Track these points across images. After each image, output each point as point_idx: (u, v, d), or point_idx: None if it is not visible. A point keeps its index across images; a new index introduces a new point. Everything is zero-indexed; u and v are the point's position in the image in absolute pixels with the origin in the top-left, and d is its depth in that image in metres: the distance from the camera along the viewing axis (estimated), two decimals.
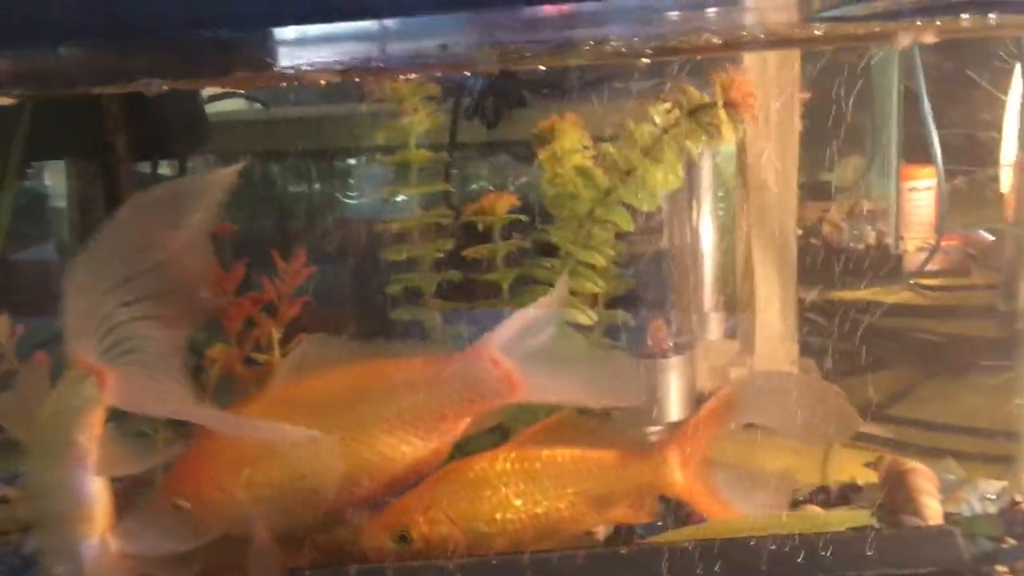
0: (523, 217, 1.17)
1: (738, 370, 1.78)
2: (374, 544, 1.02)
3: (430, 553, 1.01)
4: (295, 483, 1.02)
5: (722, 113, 1.03)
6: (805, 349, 1.78)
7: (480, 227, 1.15)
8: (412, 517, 1.01)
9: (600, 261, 1.12)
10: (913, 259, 2.41)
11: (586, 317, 1.12)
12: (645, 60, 1.49)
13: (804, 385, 1.12)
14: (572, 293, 1.12)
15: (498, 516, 1.02)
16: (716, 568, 0.96)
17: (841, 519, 1.02)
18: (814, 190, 2.32)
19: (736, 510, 1.07)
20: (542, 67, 1.51)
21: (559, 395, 1.06)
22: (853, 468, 1.50)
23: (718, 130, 1.05)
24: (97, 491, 0.97)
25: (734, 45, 1.07)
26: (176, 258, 0.95)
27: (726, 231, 1.87)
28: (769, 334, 1.76)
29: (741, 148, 1.77)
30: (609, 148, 1.10)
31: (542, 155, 1.24)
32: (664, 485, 1.07)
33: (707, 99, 1.05)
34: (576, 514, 1.05)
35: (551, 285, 1.13)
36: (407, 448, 1.03)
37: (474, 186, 1.58)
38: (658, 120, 1.07)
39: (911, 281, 2.31)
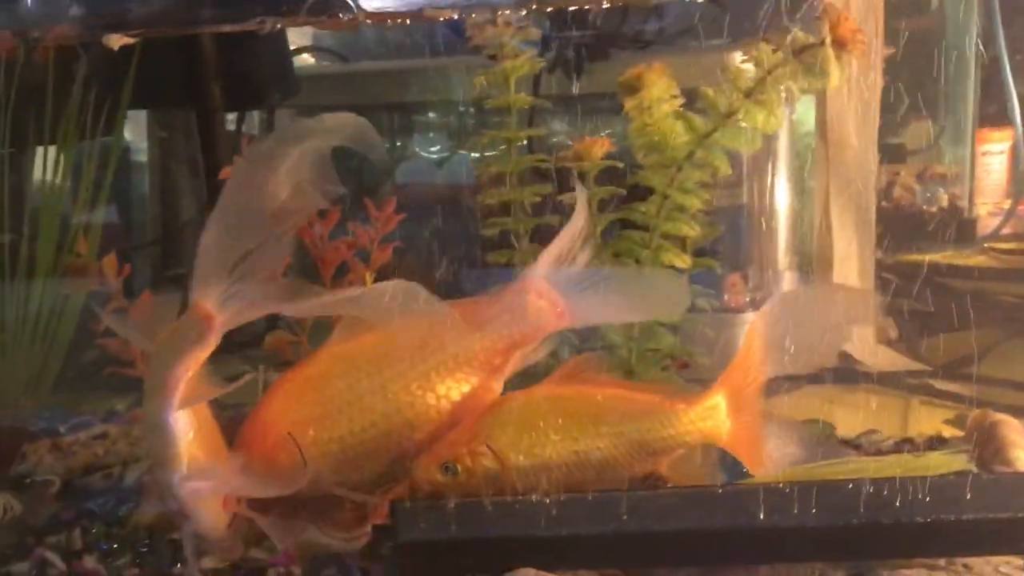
0: (618, 163, 1.18)
1: None
2: (424, 476, 1.04)
3: (475, 485, 1.03)
4: (364, 432, 1.05)
5: (830, 52, 1.02)
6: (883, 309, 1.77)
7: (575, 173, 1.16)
8: (458, 450, 1.02)
9: (696, 204, 1.12)
10: (987, 223, 2.37)
11: (681, 260, 1.13)
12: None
13: (829, 293, 1.09)
14: (665, 237, 1.13)
15: (537, 451, 1.03)
16: (813, 510, 0.97)
17: (938, 464, 1.01)
18: (884, 152, 2.28)
19: (776, 466, 1.05)
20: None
21: (604, 316, 1.07)
22: (931, 424, 1.50)
23: (824, 70, 1.03)
24: (185, 427, 1.01)
25: None
26: (289, 202, 0.97)
27: (803, 188, 1.85)
28: None
29: (821, 102, 1.75)
30: (709, 90, 1.10)
31: (629, 105, 1.24)
32: (711, 434, 1.05)
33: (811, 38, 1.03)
34: (619, 455, 1.05)
35: (646, 230, 1.13)
36: (465, 388, 1.05)
37: (554, 140, 1.58)
38: (761, 61, 1.06)
39: (985, 245, 2.28)
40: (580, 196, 1.06)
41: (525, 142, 1.22)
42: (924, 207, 2.41)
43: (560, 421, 1.04)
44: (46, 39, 1.18)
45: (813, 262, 1.78)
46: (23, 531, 1.19)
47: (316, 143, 0.97)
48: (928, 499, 0.96)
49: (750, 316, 1.65)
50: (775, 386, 1.67)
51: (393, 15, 1.26)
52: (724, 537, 0.99)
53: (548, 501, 1.00)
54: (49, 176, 1.15)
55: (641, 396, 1.07)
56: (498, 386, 1.07)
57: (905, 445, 1.31)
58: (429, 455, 1.04)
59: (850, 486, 0.98)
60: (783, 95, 1.06)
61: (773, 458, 1.07)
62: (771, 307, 1.07)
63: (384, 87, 1.77)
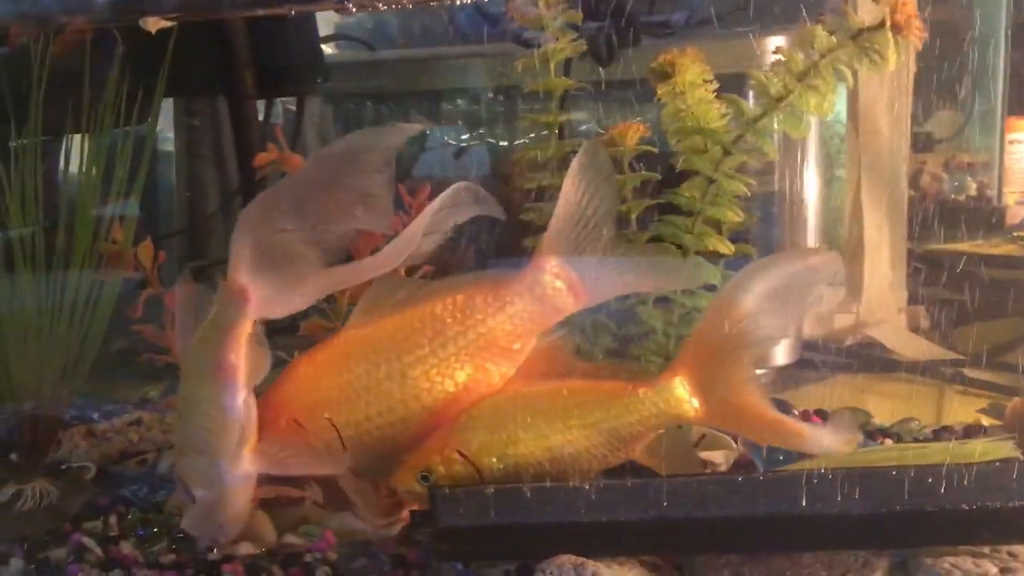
0: (654, 148, 1.17)
1: (843, 317, 1.77)
2: (404, 487, 1.04)
3: None
4: (381, 417, 1.05)
5: (889, 36, 1.00)
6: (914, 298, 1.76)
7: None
8: (431, 459, 1.03)
9: (743, 189, 1.11)
10: (1015, 212, 2.35)
11: (724, 247, 1.12)
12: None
13: (794, 261, 1.05)
14: (709, 222, 1.12)
15: (509, 451, 1.03)
16: (856, 496, 0.96)
17: (984, 451, 1.00)
18: (912, 141, 2.26)
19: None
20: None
21: (618, 290, 1.07)
22: (965, 413, 1.49)
23: (881, 55, 1.01)
24: (246, 408, 1.01)
25: None
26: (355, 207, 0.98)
27: (834, 175, 1.84)
28: (878, 281, 1.74)
29: (853, 90, 1.73)
30: (760, 74, 1.09)
31: (662, 90, 1.23)
32: (678, 414, 1.03)
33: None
34: (591, 446, 1.04)
35: (688, 214, 1.13)
36: (481, 375, 1.05)
37: (584, 127, 1.57)
38: (815, 44, 1.04)
39: (1014, 234, 2.25)
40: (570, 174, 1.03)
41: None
42: (952, 196, 2.40)
43: (529, 419, 1.03)
44: (74, 25, 1.18)
45: (844, 251, 1.77)
46: (60, 517, 1.19)
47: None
48: (974, 486, 0.95)
49: None
50: (804, 376, 1.68)
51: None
52: (766, 524, 0.98)
53: (587, 487, 1.00)
54: (85, 164, 1.15)
55: (605, 384, 1.06)
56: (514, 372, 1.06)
57: (943, 433, 1.30)
58: (406, 466, 1.04)
59: (894, 473, 0.97)
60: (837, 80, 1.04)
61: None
62: (739, 279, 1.04)
63: (410, 74, 1.76)
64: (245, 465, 1.03)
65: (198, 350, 1.00)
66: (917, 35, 1.01)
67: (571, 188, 1.02)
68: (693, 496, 0.99)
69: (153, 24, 0.99)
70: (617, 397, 1.04)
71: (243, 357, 0.99)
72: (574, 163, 1.03)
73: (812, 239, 1.82)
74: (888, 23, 1.00)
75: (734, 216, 1.11)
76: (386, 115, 1.79)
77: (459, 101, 1.73)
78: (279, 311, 1.01)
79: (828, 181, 1.84)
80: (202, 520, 1.05)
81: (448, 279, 1.10)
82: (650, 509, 0.99)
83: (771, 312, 1.01)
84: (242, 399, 1.00)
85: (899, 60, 1.02)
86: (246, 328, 0.99)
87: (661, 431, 1.05)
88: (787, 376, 1.66)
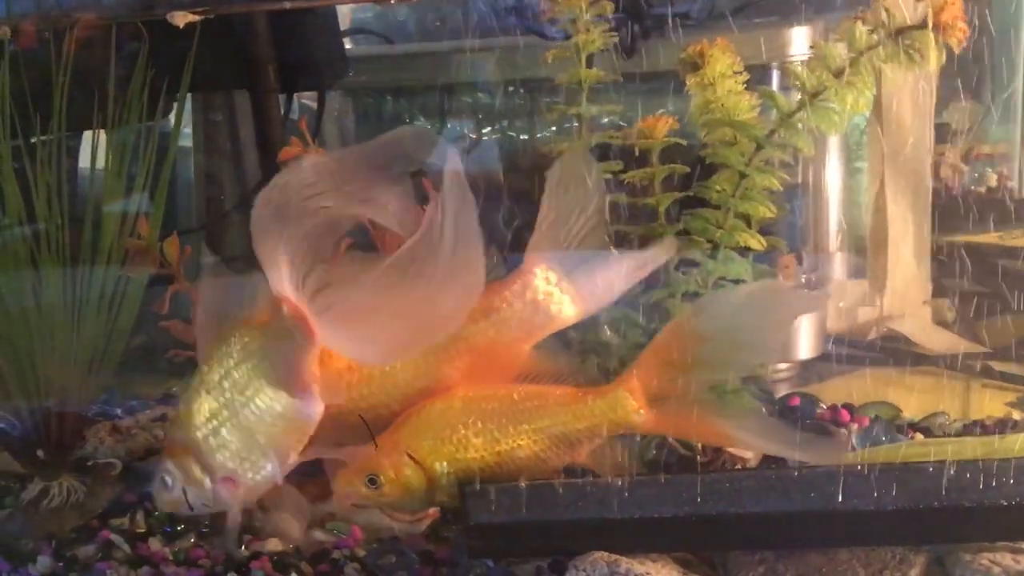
0: (682, 141, 1.16)
1: (867, 310, 1.75)
2: (346, 489, 1.03)
3: (399, 495, 1.03)
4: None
5: (930, 36, 0.98)
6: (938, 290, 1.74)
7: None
8: (379, 462, 1.02)
9: (775, 184, 1.10)
10: None
11: (756, 241, 1.10)
12: None
13: (759, 293, 1.05)
14: (741, 217, 1.11)
15: (459, 456, 1.02)
16: (893, 492, 0.95)
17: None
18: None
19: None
20: None
21: (614, 288, 1.05)
22: (993, 407, 1.48)
23: (922, 55, 1.00)
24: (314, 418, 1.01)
25: None
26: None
27: (857, 168, 1.82)
28: (902, 274, 1.73)
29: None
30: (797, 68, 1.07)
31: (691, 81, 1.22)
32: (626, 422, 1.04)
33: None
34: (540, 451, 1.04)
35: (717, 207, 1.11)
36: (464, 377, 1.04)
37: (605, 120, 1.55)
38: (855, 41, 1.03)
39: None
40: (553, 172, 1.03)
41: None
42: (972, 187, 2.38)
43: (480, 424, 1.03)
44: (93, 21, 1.17)
45: (867, 243, 1.75)
46: (87, 514, 1.19)
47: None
48: (1012, 481, 0.94)
49: None
50: (830, 369, 1.67)
51: None
52: (801, 520, 0.97)
53: (620, 483, 0.99)
54: (110, 159, 1.14)
55: (555, 389, 1.06)
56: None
57: (975, 427, 1.29)
58: (351, 468, 1.03)
59: (931, 468, 0.96)
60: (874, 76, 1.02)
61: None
62: (705, 303, 1.06)
63: (427, 68, 1.75)
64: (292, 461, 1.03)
65: (261, 359, 0.99)
66: (961, 36, 0.99)
67: (551, 192, 1.02)
68: (728, 492, 0.98)
69: (181, 19, 0.99)
70: (567, 404, 1.05)
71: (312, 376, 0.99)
72: (554, 167, 1.03)
73: (834, 231, 1.81)
74: (931, 23, 0.98)
75: (766, 211, 1.10)
76: (405, 109, 1.78)
77: (479, 94, 1.72)
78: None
79: (850, 173, 1.83)
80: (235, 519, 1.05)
81: None
82: (684, 505, 0.98)
83: (733, 342, 1.01)
84: (317, 410, 1.01)
85: (941, 61, 1.01)
86: (314, 352, 0.99)
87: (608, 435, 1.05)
88: (811, 370, 1.65)
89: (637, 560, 0.97)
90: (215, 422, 1.00)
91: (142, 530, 1.16)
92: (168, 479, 1.02)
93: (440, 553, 1.10)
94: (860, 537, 0.98)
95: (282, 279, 0.96)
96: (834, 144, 1.77)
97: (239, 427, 0.99)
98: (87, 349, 1.17)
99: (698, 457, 1.16)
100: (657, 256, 1.07)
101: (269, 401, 0.99)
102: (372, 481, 1.02)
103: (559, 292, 1.03)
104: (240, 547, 1.13)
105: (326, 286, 0.97)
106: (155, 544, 1.13)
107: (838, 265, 1.83)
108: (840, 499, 0.96)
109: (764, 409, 1.14)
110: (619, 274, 1.06)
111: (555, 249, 1.03)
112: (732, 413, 1.05)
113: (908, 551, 0.98)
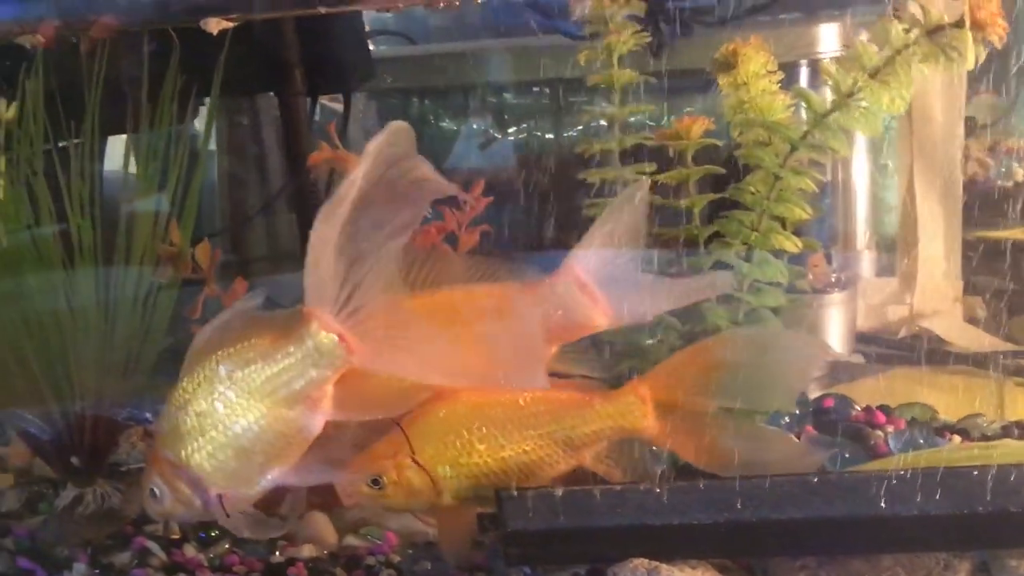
0: (718, 142, 1.15)
1: (896, 309, 1.74)
2: (349, 488, 1.02)
3: (401, 497, 1.02)
4: None
5: (968, 35, 0.97)
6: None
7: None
8: (382, 463, 1.01)
9: (811, 186, 1.09)
10: None
11: (792, 244, 1.09)
12: None
13: (789, 341, 1.06)
14: (777, 219, 1.09)
15: (463, 460, 1.02)
16: (937, 497, 0.94)
17: None
18: None
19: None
20: None
21: (646, 309, 1.04)
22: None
23: (960, 54, 0.98)
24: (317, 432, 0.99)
25: None
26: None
27: (886, 165, 1.81)
28: (932, 271, 1.71)
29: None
30: (831, 67, 1.06)
31: (723, 81, 1.20)
32: (633, 428, 1.04)
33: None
34: (546, 456, 1.03)
35: (750, 209, 1.10)
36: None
37: (632, 119, 1.54)
38: (890, 39, 1.01)
39: None
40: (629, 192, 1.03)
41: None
42: (999, 182, 2.35)
43: (484, 429, 1.02)
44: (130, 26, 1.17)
45: (897, 241, 1.74)
46: (121, 520, 1.19)
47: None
48: None
49: (835, 297, 1.61)
50: (858, 369, 1.66)
51: None
52: (844, 526, 0.96)
53: (659, 489, 0.98)
54: (140, 164, 1.14)
55: (561, 394, 1.05)
56: None
57: (1014, 429, 1.27)
58: (354, 468, 1.02)
59: (975, 472, 0.95)
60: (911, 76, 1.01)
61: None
62: (734, 335, 1.07)
63: (448, 68, 1.74)
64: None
65: (279, 379, 0.96)
66: (1000, 34, 0.98)
67: (614, 216, 1.01)
68: (769, 497, 0.97)
69: (215, 25, 0.98)
70: (574, 407, 1.04)
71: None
72: (625, 193, 1.03)
73: (863, 228, 1.79)
74: (968, 20, 0.97)
75: (802, 213, 1.09)
76: (429, 110, 1.77)
77: (505, 95, 1.72)
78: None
79: (878, 169, 1.81)
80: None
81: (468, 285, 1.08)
82: (724, 511, 0.97)
83: (750, 380, 1.01)
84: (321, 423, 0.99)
85: (981, 59, 0.99)
86: (342, 371, 0.96)
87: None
88: (841, 369, 1.63)
89: (677, 567, 0.96)
90: (200, 439, 0.98)
91: (176, 536, 1.16)
92: (157, 491, 1.01)
93: (476, 558, 1.10)
94: (904, 542, 0.97)
95: (323, 295, 0.92)
96: (861, 141, 1.76)
97: (229, 444, 0.98)
98: (121, 353, 1.17)
99: None
100: (705, 288, 1.07)
101: (264, 417, 0.96)
102: (375, 482, 1.01)
103: (591, 301, 1.02)
104: (274, 551, 1.13)
105: (372, 307, 0.93)
106: (190, 550, 1.13)
107: (867, 263, 1.82)
108: (884, 504, 0.94)
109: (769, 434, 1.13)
110: (660, 298, 1.06)
111: (595, 264, 1.02)
112: (736, 437, 1.04)
113: (952, 556, 0.97)
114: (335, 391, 0.96)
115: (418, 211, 0.94)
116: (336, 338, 0.93)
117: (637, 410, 1.03)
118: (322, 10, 1.05)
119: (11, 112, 1.11)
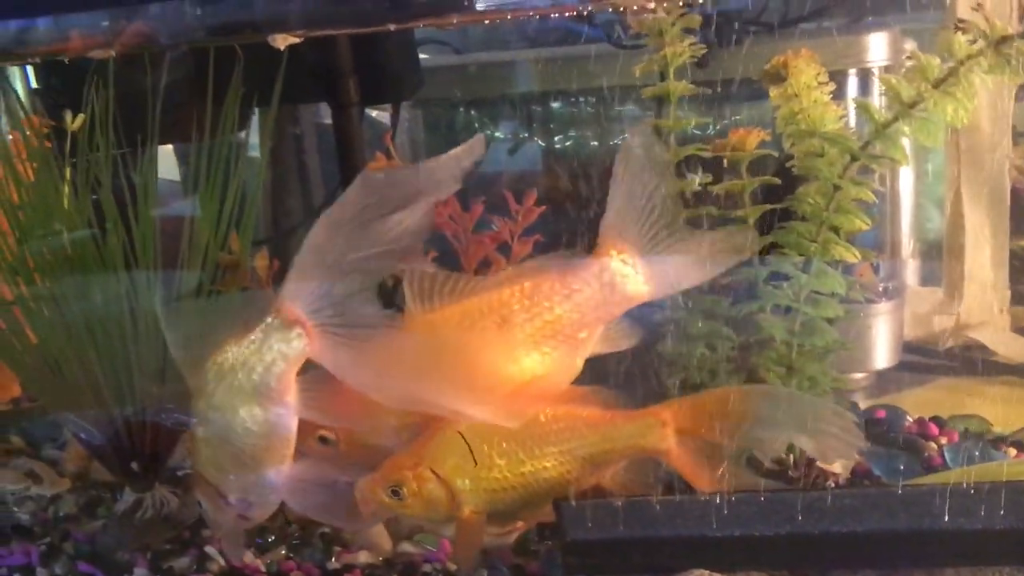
0: (774, 152, 1.15)
1: (943, 319, 1.73)
2: (369, 497, 1.02)
3: (420, 509, 1.02)
4: None
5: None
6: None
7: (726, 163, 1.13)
8: (403, 474, 1.02)
9: (870, 196, 1.09)
10: None
11: (851, 255, 1.09)
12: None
13: (827, 415, 1.03)
14: (835, 230, 1.09)
15: (483, 474, 1.02)
16: (1001, 512, 0.93)
17: None
18: None
19: None
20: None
21: (689, 277, 1.03)
22: None
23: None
24: (293, 429, 1.01)
25: None
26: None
27: (930, 172, 1.80)
28: (979, 281, 1.70)
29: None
30: (891, 78, 1.06)
31: (774, 93, 1.20)
32: (654, 449, 1.04)
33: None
34: (565, 473, 1.04)
35: (804, 219, 1.10)
36: (548, 361, 1.02)
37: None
38: (954, 51, 1.01)
39: None
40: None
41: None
42: None
43: (505, 444, 1.03)
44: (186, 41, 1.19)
45: (944, 250, 1.72)
46: (179, 525, 1.20)
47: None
48: None
49: (882, 307, 1.61)
50: (906, 379, 1.65)
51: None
52: (905, 539, 0.96)
53: (719, 500, 0.98)
54: (202, 174, 1.16)
55: (583, 411, 1.05)
56: (580, 363, 1.04)
57: None
58: (375, 476, 1.03)
59: None
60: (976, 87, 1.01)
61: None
62: (776, 395, 1.08)
63: (497, 78, 1.75)
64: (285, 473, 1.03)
65: (245, 369, 0.99)
66: None
67: (620, 172, 1.00)
68: (830, 510, 0.97)
69: (282, 41, 1.00)
70: (596, 426, 1.05)
71: (294, 383, 1.00)
72: (622, 148, 1.01)
73: (909, 237, 1.78)
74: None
75: (861, 223, 1.09)
76: (475, 119, 1.78)
77: (553, 104, 1.72)
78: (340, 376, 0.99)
79: (923, 177, 1.80)
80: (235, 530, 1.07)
81: (515, 267, 1.11)
82: (785, 523, 0.97)
83: (775, 438, 1.03)
84: (293, 421, 1.01)
85: None
86: (303, 360, 0.99)
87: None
88: (887, 380, 1.63)
89: None
90: (211, 450, 1.02)
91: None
92: (203, 505, 1.06)
93: (531, 567, 1.10)
94: (965, 556, 0.96)
95: (298, 288, 0.96)
96: (911, 148, 1.74)
97: (230, 452, 1.01)
98: None
99: (790, 472, 1.15)
100: (735, 242, 1.05)
101: (243, 420, 0.99)
102: (395, 492, 1.02)
103: (634, 272, 1.01)
104: (330, 558, 1.15)
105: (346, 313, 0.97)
106: (248, 556, 1.15)
107: (913, 272, 1.81)
108: (946, 517, 0.94)
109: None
110: (696, 256, 1.03)
111: (626, 229, 1.01)
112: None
113: (1015, 571, 0.96)
114: (303, 393, 0.99)
115: (418, 239, 0.99)
116: (298, 328, 0.97)
117: (658, 431, 1.04)
118: (392, 27, 1.06)
119: (77, 123, 1.12)
